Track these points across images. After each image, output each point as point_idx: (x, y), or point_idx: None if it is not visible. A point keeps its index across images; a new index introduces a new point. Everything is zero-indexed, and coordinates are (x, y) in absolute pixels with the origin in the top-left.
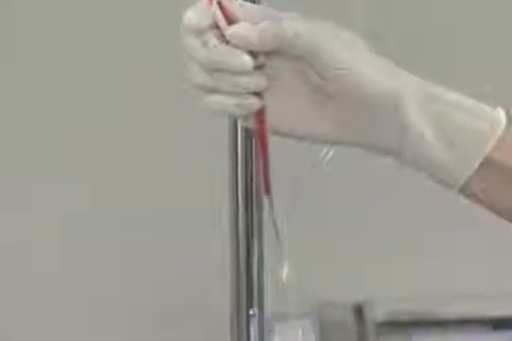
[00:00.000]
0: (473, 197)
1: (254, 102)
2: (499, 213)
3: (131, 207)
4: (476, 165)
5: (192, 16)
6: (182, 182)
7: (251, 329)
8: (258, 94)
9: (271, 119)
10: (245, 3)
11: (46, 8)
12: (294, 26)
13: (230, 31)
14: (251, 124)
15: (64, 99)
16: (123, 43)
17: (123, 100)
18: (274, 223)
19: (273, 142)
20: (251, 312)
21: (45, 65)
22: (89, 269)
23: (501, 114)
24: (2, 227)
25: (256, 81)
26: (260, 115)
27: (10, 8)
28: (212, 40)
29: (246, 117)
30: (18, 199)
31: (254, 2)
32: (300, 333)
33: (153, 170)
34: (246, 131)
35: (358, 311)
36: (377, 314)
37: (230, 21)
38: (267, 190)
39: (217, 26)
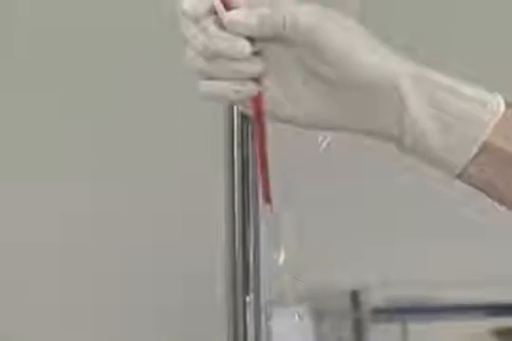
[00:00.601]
0: (472, 183)
1: (252, 88)
2: (498, 199)
3: (127, 200)
4: (474, 150)
5: (190, 2)
6: (179, 174)
7: (248, 316)
8: (256, 80)
9: (269, 105)
10: None
11: (46, 9)
12: (293, 12)
13: (229, 17)
14: (249, 110)
15: (64, 99)
16: (121, 41)
17: (122, 97)
18: (270, 209)
19: (270, 126)
20: (247, 298)
21: (46, 65)
22: (89, 268)
23: (499, 99)
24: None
25: (254, 67)
26: (257, 100)
27: (10, 8)
28: (211, 26)
29: (244, 103)
30: (18, 199)
31: None
32: (296, 319)
33: (149, 159)
34: (243, 117)
35: (355, 297)
36: (374, 299)
37: (228, 6)
38: (265, 176)
39: (215, 12)
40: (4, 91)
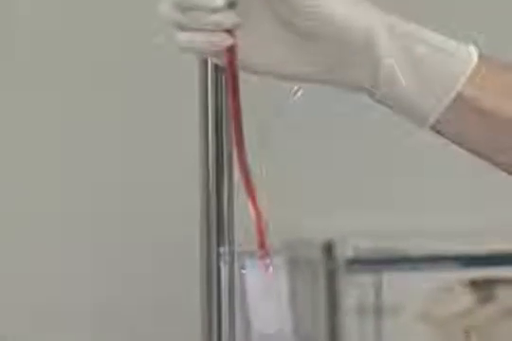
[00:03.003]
0: (444, 133)
1: (225, 39)
2: (470, 150)
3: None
4: (447, 101)
5: None
6: (152, 130)
7: (222, 266)
8: (229, 31)
9: (242, 57)
10: None
11: (46, 9)
12: None
13: None
14: (222, 62)
15: (64, 99)
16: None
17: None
18: (244, 159)
19: (244, 80)
20: (221, 249)
21: (46, 65)
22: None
23: (472, 50)
24: None
25: (228, 19)
26: (231, 51)
27: (10, 8)
28: None
29: (217, 55)
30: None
31: None
32: (270, 271)
33: (121, 118)
34: (216, 70)
35: (328, 248)
36: (347, 251)
37: None
38: (238, 127)
39: None
40: (4, 91)
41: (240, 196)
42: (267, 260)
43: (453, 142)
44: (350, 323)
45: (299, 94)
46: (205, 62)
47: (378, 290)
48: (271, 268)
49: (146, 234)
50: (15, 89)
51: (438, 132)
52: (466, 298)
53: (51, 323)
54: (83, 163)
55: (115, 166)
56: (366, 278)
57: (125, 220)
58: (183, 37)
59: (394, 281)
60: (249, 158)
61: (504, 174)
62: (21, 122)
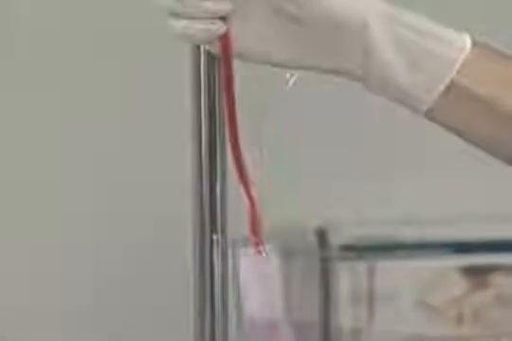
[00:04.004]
0: (439, 121)
1: (220, 26)
2: (464, 137)
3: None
4: (441, 88)
5: None
6: (146, 116)
7: (214, 254)
8: (223, 18)
9: (237, 44)
10: None
11: (46, 8)
12: None
13: None
14: (216, 49)
15: (64, 99)
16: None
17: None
18: (237, 147)
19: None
20: (214, 237)
21: (46, 65)
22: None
23: (466, 38)
24: None
25: (222, 6)
26: (225, 39)
27: (10, 8)
28: None
29: (211, 42)
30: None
31: None
32: (263, 258)
33: (117, 103)
34: (209, 58)
35: (321, 235)
36: (341, 238)
37: None
38: (231, 113)
39: None
40: (4, 91)
41: (233, 183)
42: (260, 248)
43: (448, 129)
44: (343, 310)
45: (293, 81)
46: (198, 50)
47: (372, 277)
48: (264, 255)
49: (138, 218)
50: (15, 89)
51: (433, 119)
52: (460, 285)
53: (51, 323)
54: (84, 155)
55: (110, 155)
56: (360, 266)
57: (119, 213)
58: (178, 25)
59: (388, 268)
60: (242, 146)
61: (497, 161)
62: (20, 121)
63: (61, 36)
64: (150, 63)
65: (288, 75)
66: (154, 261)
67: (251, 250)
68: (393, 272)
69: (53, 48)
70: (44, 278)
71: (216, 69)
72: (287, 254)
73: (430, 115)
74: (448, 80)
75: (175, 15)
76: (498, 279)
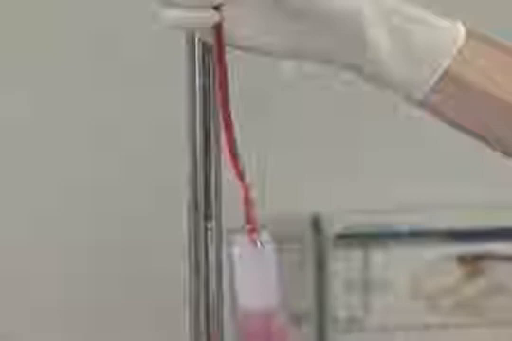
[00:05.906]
0: (434, 110)
1: (213, 16)
2: (458, 127)
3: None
4: (435, 78)
5: None
6: (142, 102)
7: (209, 243)
8: (217, 8)
9: (230, 33)
10: None
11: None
12: None
13: None
14: (210, 39)
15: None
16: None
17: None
18: (231, 135)
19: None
20: (209, 225)
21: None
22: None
23: (460, 27)
24: None
25: None
26: (219, 28)
27: (11, 8)
28: None
29: (204, 32)
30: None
31: None
32: (258, 246)
33: (112, 87)
34: (204, 48)
35: (316, 223)
36: (335, 226)
37: None
38: (225, 103)
39: None
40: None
41: (228, 171)
42: (255, 235)
43: (443, 119)
44: (338, 298)
45: (289, 67)
46: (192, 39)
47: (366, 265)
48: (258, 243)
49: (130, 207)
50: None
51: (428, 109)
52: (454, 274)
53: (51, 323)
54: (85, 125)
55: (103, 142)
56: (354, 253)
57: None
58: (170, 14)
59: (383, 256)
60: (237, 133)
61: (491, 149)
62: (17, 117)
63: (61, 36)
64: (146, 54)
65: (284, 71)
66: (149, 253)
67: (246, 238)
68: (387, 260)
69: (49, 38)
70: (44, 278)
71: (211, 60)
72: (282, 241)
73: (425, 104)
74: (443, 68)
75: (168, 4)
76: (493, 268)
